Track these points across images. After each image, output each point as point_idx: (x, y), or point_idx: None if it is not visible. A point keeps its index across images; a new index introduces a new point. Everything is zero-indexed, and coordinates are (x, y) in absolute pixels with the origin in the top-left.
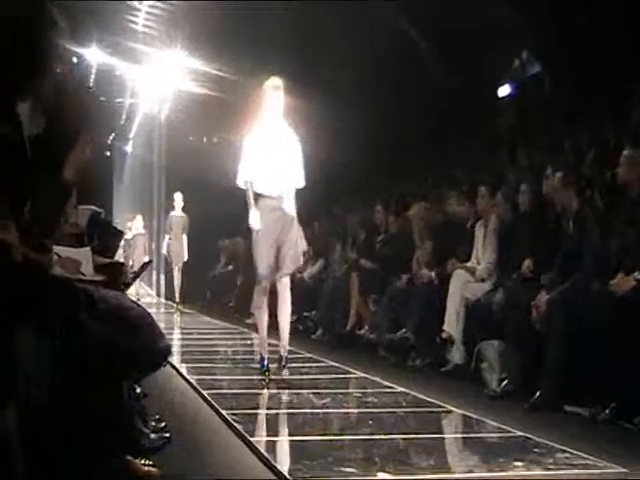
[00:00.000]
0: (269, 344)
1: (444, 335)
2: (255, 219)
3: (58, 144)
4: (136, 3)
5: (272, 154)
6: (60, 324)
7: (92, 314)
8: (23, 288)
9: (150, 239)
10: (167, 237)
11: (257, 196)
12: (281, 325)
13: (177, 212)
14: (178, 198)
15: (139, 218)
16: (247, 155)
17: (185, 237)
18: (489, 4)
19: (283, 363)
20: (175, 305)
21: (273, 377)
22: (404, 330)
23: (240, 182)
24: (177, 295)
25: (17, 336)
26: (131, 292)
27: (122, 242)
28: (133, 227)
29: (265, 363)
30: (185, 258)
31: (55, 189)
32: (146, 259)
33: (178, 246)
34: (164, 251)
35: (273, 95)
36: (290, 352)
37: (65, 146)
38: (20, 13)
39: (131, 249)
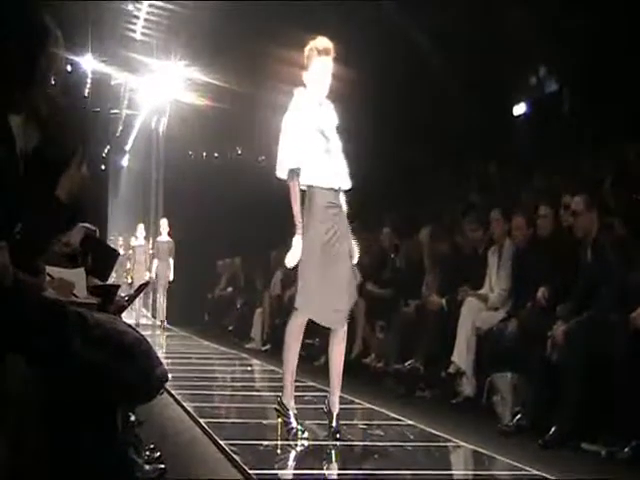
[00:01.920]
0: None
1: (451, 369)
2: (296, 251)
3: (52, 160)
4: (134, 10)
5: (324, 137)
6: (52, 349)
7: (85, 339)
8: (14, 311)
9: (147, 257)
10: (155, 261)
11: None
12: (335, 372)
13: (163, 237)
14: (164, 224)
15: (140, 227)
16: (292, 136)
17: (171, 260)
18: (506, 20)
19: (334, 424)
20: (160, 324)
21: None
22: (412, 360)
23: (282, 172)
24: (162, 315)
25: (7, 361)
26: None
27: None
28: (133, 238)
29: (293, 421)
30: (170, 278)
31: (49, 207)
32: (146, 277)
33: (164, 268)
34: (152, 274)
35: (321, 62)
36: None
37: (59, 162)
38: (12, 21)
39: (132, 261)
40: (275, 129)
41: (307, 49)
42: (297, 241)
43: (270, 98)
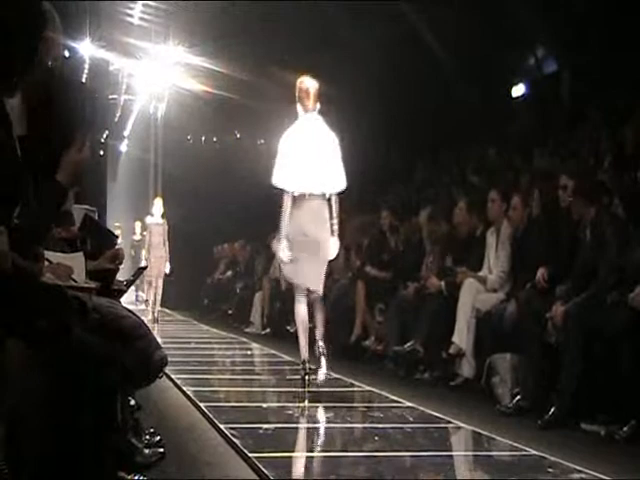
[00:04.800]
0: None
1: (452, 350)
2: (285, 252)
3: (50, 144)
4: None
5: (312, 152)
6: (51, 334)
7: (84, 323)
8: (13, 296)
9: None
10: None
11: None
12: (320, 324)
13: (156, 218)
14: (157, 204)
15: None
16: (285, 155)
17: (166, 246)
18: (504, 1)
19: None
20: (152, 316)
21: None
22: (412, 342)
23: (279, 183)
24: (155, 309)
25: (6, 347)
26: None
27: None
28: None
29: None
30: (167, 270)
31: (49, 192)
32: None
33: (157, 256)
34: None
35: (307, 94)
36: (291, 363)
37: (58, 146)
38: (11, 6)
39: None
40: (273, 114)
41: (297, 86)
42: (283, 244)
43: (268, 83)
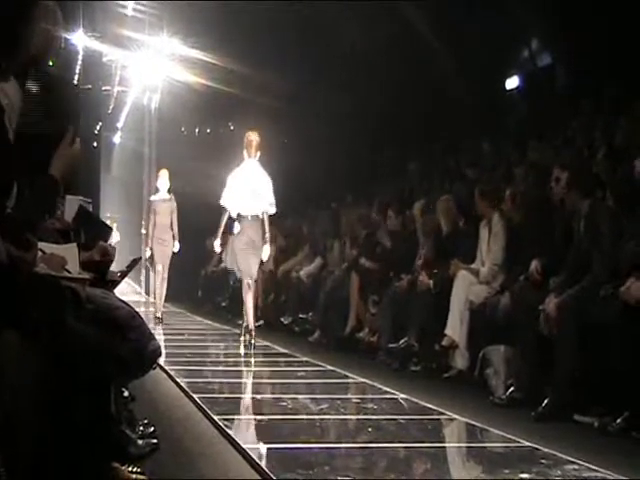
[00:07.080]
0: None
1: (445, 342)
2: (218, 246)
3: (45, 136)
4: None
5: (250, 187)
6: (45, 325)
7: (78, 314)
8: (7, 286)
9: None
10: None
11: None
12: (249, 306)
13: (162, 194)
14: (163, 176)
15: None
16: (231, 187)
17: (175, 226)
18: None
19: (252, 339)
20: (158, 317)
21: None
22: (406, 338)
23: (224, 204)
24: (159, 305)
25: (1, 336)
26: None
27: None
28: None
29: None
30: (176, 249)
31: (42, 184)
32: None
33: (163, 240)
34: (147, 251)
35: (251, 145)
36: (286, 355)
37: (52, 139)
38: None
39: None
40: (267, 106)
41: (245, 137)
42: (217, 241)
43: (262, 75)
